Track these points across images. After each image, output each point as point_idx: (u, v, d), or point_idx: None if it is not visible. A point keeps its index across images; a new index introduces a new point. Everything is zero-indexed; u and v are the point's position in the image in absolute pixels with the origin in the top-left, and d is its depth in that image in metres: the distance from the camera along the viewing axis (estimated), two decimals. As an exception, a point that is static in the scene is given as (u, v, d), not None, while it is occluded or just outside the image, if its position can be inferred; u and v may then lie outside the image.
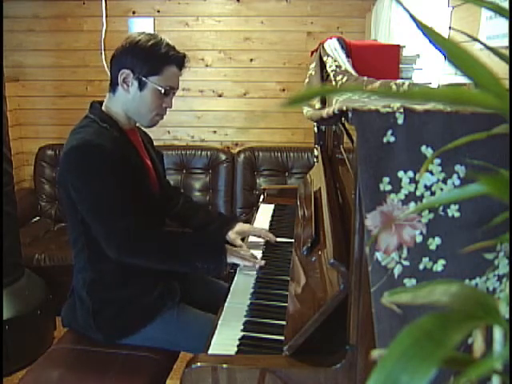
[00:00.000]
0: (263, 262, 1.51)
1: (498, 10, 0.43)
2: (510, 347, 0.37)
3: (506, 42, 1.14)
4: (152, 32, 1.47)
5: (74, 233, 1.46)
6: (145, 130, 1.66)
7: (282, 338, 1.08)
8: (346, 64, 1.38)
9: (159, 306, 1.47)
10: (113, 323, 1.46)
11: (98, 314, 1.44)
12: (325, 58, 1.40)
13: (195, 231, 1.77)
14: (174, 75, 1.45)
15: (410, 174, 0.70)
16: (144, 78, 1.41)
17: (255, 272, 1.50)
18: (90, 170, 1.34)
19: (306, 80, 1.52)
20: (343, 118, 0.77)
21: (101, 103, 1.50)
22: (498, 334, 0.39)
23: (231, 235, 1.67)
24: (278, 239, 1.73)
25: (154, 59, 1.41)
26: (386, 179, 0.71)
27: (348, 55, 1.44)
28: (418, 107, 0.70)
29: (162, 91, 1.43)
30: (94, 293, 1.45)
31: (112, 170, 1.34)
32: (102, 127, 1.41)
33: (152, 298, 1.47)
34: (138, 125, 1.57)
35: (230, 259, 1.47)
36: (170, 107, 1.49)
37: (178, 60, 1.44)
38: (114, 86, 1.45)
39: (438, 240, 0.71)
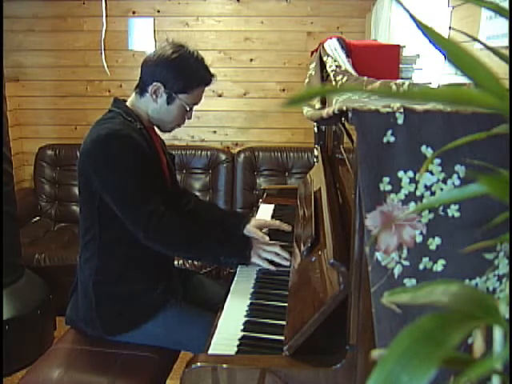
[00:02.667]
0: (288, 263, 1.49)
1: (498, 9, 0.43)
2: (510, 347, 0.37)
3: (506, 42, 1.14)
4: (184, 44, 1.49)
5: (87, 221, 1.48)
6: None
7: (282, 338, 1.08)
8: (346, 64, 1.38)
9: (161, 302, 1.49)
10: (115, 317, 1.47)
11: (100, 307, 1.46)
12: (325, 58, 1.40)
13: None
14: (201, 93, 1.52)
15: (410, 173, 0.70)
16: (174, 94, 1.47)
17: (255, 272, 1.50)
18: (117, 158, 1.39)
19: (306, 80, 1.52)
20: (343, 118, 0.77)
21: (124, 100, 1.55)
22: (497, 334, 0.39)
23: (251, 228, 1.68)
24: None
25: (189, 80, 1.47)
26: (386, 179, 0.71)
27: (348, 55, 1.45)
28: (418, 107, 0.70)
29: (188, 109, 1.51)
30: (98, 284, 1.47)
31: (138, 158, 1.40)
32: (126, 120, 1.47)
33: (154, 294, 1.49)
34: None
35: (254, 259, 1.48)
36: (190, 119, 1.57)
37: (209, 81, 1.50)
38: (143, 90, 1.50)
39: (437, 240, 0.71)
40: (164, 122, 1.54)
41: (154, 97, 1.48)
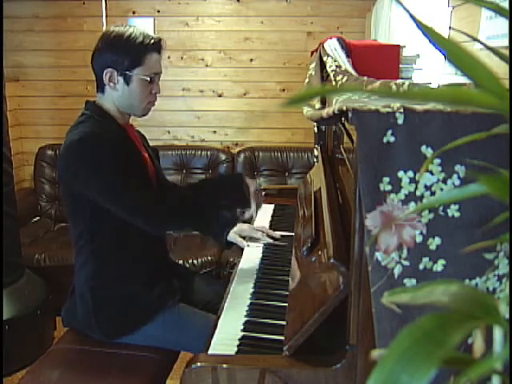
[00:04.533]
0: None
1: (498, 9, 0.43)
2: (510, 347, 0.37)
3: (506, 42, 1.14)
4: (124, 24, 1.49)
5: (77, 227, 1.47)
6: (140, 130, 1.68)
7: (282, 338, 1.08)
8: (346, 64, 1.38)
9: (160, 304, 1.48)
10: (113, 321, 1.46)
11: (98, 312, 1.45)
12: (325, 58, 1.40)
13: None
14: (156, 61, 1.47)
15: (410, 173, 0.70)
16: (128, 72, 1.43)
17: (255, 272, 1.50)
18: (96, 159, 1.37)
19: (306, 80, 1.52)
20: (343, 118, 0.77)
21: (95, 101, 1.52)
22: (497, 334, 0.39)
23: (231, 234, 1.70)
24: (279, 233, 1.78)
25: (133, 51, 1.42)
26: (386, 179, 0.71)
27: (348, 55, 1.45)
28: (418, 107, 0.70)
29: (148, 79, 1.45)
30: (95, 289, 1.46)
31: (116, 156, 1.38)
32: (99, 121, 1.44)
33: (153, 296, 1.48)
34: (131, 121, 1.59)
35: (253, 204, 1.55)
36: (159, 92, 1.51)
37: (156, 45, 1.46)
38: (101, 85, 1.48)
39: (437, 240, 0.71)
40: (133, 105, 1.49)
41: (112, 84, 1.44)
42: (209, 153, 3.15)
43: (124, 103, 1.48)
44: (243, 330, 1.19)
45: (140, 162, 1.52)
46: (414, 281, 0.72)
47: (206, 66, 3.20)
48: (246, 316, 1.25)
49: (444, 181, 0.70)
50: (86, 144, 1.36)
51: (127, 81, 1.44)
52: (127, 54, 1.41)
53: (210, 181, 1.61)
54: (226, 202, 1.53)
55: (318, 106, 1.14)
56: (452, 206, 0.70)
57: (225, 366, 0.97)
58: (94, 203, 1.40)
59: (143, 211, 1.41)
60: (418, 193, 0.71)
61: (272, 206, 2.10)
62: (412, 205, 0.71)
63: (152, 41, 1.44)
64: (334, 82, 1.17)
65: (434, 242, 0.71)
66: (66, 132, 1.45)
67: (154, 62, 1.45)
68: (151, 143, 1.73)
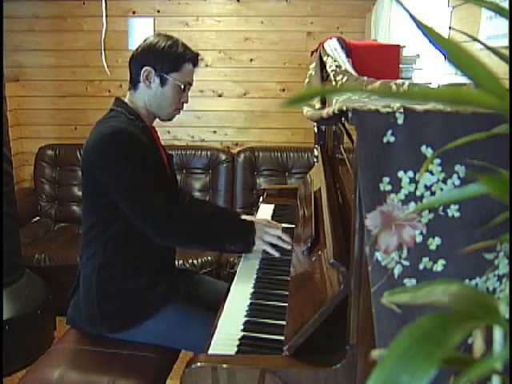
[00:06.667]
0: (290, 247, 1.54)
1: (498, 9, 0.43)
2: (510, 347, 0.37)
3: (506, 42, 1.14)
4: (168, 34, 1.57)
5: (91, 218, 1.50)
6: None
7: (282, 338, 1.08)
8: (346, 64, 1.38)
9: (163, 300, 1.50)
10: (117, 314, 1.48)
11: (103, 305, 1.46)
12: (325, 58, 1.40)
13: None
14: (190, 72, 1.57)
15: (410, 173, 0.70)
16: (165, 75, 1.51)
17: (255, 272, 1.50)
18: (123, 155, 1.41)
19: (306, 80, 1.52)
20: (343, 118, 0.77)
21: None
22: (497, 334, 0.39)
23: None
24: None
25: (174, 57, 1.51)
26: (386, 179, 0.71)
27: (348, 55, 1.45)
28: (418, 107, 0.70)
29: (182, 86, 1.54)
30: (101, 282, 1.47)
31: (143, 155, 1.44)
32: (129, 119, 1.49)
33: (156, 292, 1.50)
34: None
35: (258, 243, 1.54)
36: (187, 102, 1.60)
37: (194, 58, 1.56)
38: (135, 83, 1.54)
39: (437, 240, 0.71)
40: (162, 107, 1.55)
41: (148, 83, 1.51)
42: (209, 153, 3.16)
43: (154, 103, 1.54)
44: (243, 330, 1.19)
45: (162, 165, 1.56)
46: (413, 281, 0.72)
47: (206, 66, 3.20)
48: (246, 316, 1.25)
49: (444, 181, 0.70)
50: (118, 138, 1.41)
51: (163, 82, 1.52)
52: (168, 58, 1.50)
53: (223, 219, 1.64)
54: (231, 241, 1.55)
55: (318, 106, 1.14)
56: (452, 206, 0.70)
57: (225, 366, 0.97)
58: (111, 198, 1.42)
59: (154, 221, 1.42)
60: (418, 193, 0.71)
61: (272, 206, 2.10)
62: (412, 205, 0.71)
63: (191, 53, 1.54)
64: (333, 82, 1.17)
65: (434, 242, 0.71)
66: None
67: (188, 71, 1.55)
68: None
